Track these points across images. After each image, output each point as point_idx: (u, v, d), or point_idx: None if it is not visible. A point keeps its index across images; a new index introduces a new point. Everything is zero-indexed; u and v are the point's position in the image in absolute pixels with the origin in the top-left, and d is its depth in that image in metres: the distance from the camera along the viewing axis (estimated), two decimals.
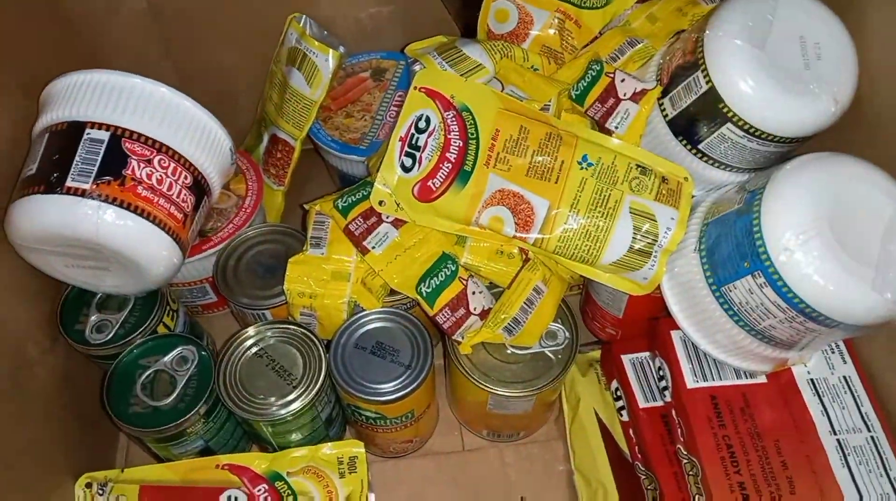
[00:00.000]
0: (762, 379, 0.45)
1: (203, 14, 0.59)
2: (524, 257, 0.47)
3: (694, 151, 0.47)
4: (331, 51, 0.55)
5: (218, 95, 0.47)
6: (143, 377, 0.45)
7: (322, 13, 0.59)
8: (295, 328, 0.47)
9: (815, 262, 0.37)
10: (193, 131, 0.44)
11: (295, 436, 0.47)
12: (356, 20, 0.60)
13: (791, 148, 0.45)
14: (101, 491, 0.46)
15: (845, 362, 0.46)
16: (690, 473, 0.43)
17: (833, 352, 0.46)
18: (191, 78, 0.61)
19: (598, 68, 0.48)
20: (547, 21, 0.51)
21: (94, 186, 0.39)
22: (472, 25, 0.54)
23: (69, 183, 0.39)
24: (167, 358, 0.46)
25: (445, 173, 0.46)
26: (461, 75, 0.48)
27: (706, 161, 0.47)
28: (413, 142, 0.46)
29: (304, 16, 0.58)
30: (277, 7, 0.59)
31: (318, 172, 0.67)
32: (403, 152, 0.46)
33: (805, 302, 0.38)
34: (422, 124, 0.46)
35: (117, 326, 0.47)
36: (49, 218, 0.39)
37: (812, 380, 0.45)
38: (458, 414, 0.56)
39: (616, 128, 0.47)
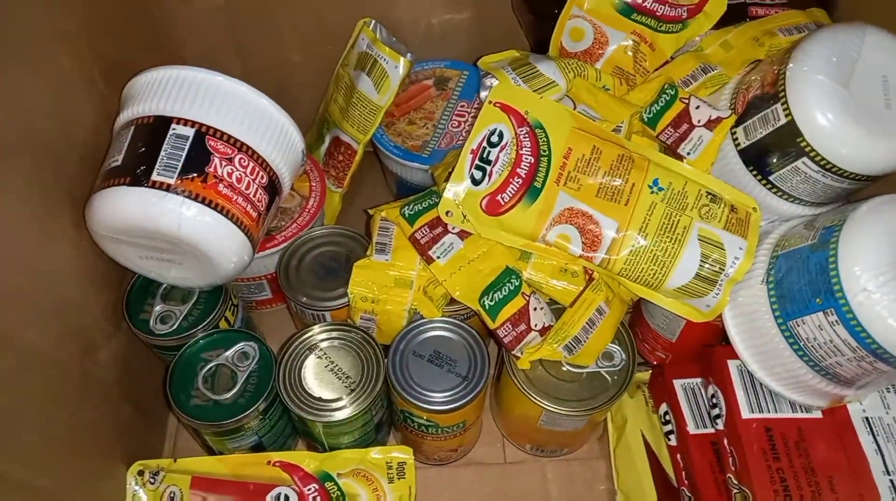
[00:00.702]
0: (817, 414, 0.45)
1: (275, 13, 0.59)
2: (588, 276, 0.47)
3: (764, 181, 0.47)
4: (402, 58, 0.56)
5: (279, 93, 0.47)
6: (205, 370, 0.46)
7: (395, 16, 0.59)
8: (355, 331, 0.47)
9: (893, 305, 0.37)
10: (272, 132, 0.45)
11: (346, 438, 0.48)
12: (427, 25, 0.61)
13: (863, 186, 0.45)
14: (152, 480, 0.47)
15: None
16: None
17: (889, 391, 0.46)
18: (255, 73, 0.61)
19: (672, 93, 0.48)
20: (622, 42, 0.51)
21: (179, 182, 0.40)
22: (544, 41, 0.54)
23: (155, 177, 0.40)
24: (229, 353, 0.47)
25: (515, 188, 0.46)
26: (534, 91, 0.48)
27: (775, 193, 0.47)
28: (484, 155, 0.46)
29: (374, 21, 0.59)
30: (347, 9, 0.59)
31: (372, 175, 0.68)
32: (474, 165, 0.46)
33: (878, 343, 0.38)
34: (494, 139, 0.47)
35: (181, 317, 0.48)
36: (133, 210, 0.40)
37: (867, 418, 0.45)
38: (503, 426, 0.56)
39: (688, 154, 0.47)
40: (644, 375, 0.56)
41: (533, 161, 0.46)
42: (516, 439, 0.56)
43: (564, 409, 0.46)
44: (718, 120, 0.46)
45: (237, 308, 0.51)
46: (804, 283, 0.41)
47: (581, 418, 0.47)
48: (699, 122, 0.47)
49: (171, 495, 0.46)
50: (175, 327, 0.47)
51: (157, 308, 0.48)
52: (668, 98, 0.48)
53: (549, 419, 0.48)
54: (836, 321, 0.39)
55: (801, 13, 0.53)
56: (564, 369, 0.47)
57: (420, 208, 0.49)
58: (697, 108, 0.47)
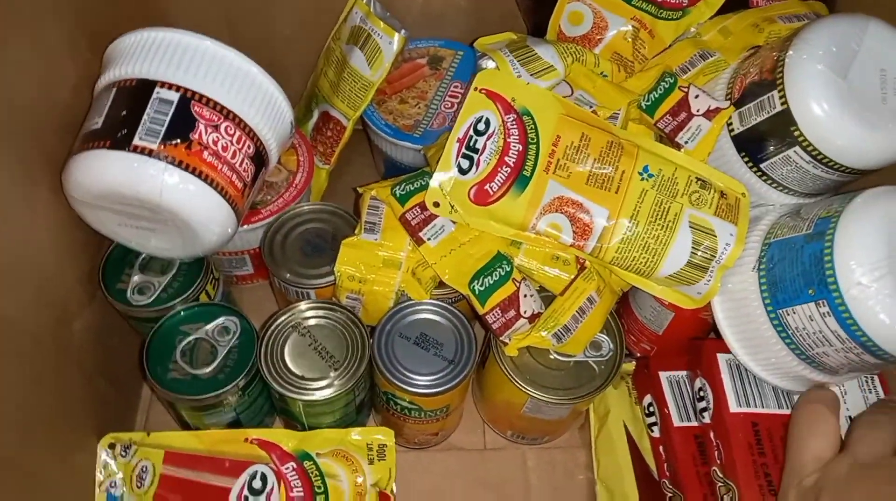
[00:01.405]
0: None
1: None
2: (579, 265, 0.46)
3: (755, 169, 0.46)
4: (396, 34, 0.54)
5: (270, 66, 0.46)
6: (184, 343, 0.45)
7: None
8: (341, 310, 0.46)
9: (886, 300, 0.37)
10: (260, 101, 0.43)
11: (327, 418, 0.47)
12: (424, 3, 0.60)
13: (853, 179, 0.45)
14: (123, 453, 0.46)
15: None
16: (725, 495, 0.43)
17: (870, 392, 0.46)
18: (246, 45, 0.59)
19: (671, 81, 0.48)
20: (621, 28, 0.50)
21: (162, 147, 0.39)
22: (542, 24, 0.53)
23: (136, 141, 0.38)
24: (209, 327, 0.45)
25: (504, 178, 0.45)
26: (531, 75, 0.47)
27: (765, 180, 0.47)
28: (471, 144, 0.45)
29: None
30: None
31: (359, 153, 0.66)
32: (461, 154, 0.45)
33: (869, 337, 0.38)
34: (481, 126, 0.46)
35: (160, 289, 0.46)
36: (113, 175, 0.38)
37: (850, 417, 0.45)
38: (485, 412, 0.56)
39: (686, 143, 0.46)
40: (628, 366, 0.56)
41: (521, 149, 0.45)
42: (497, 425, 0.55)
43: (550, 397, 0.45)
44: (717, 110, 0.46)
45: (218, 282, 0.50)
46: (797, 273, 0.41)
47: (566, 406, 0.46)
48: (698, 111, 0.46)
49: (144, 468, 0.45)
50: (153, 298, 0.46)
51: (135, 278, 0.47)
52: (666, 86, 0.48)
53: (533, 407, 0.47)
54: (828, 313, 0.39)
55: (800, 3, 0.52)
56: (552, 357, 0.46)
57: (412, 188, 0.48)
58: (696, 97, 0.47)
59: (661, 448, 0.49)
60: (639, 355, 0.56)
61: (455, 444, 0.55)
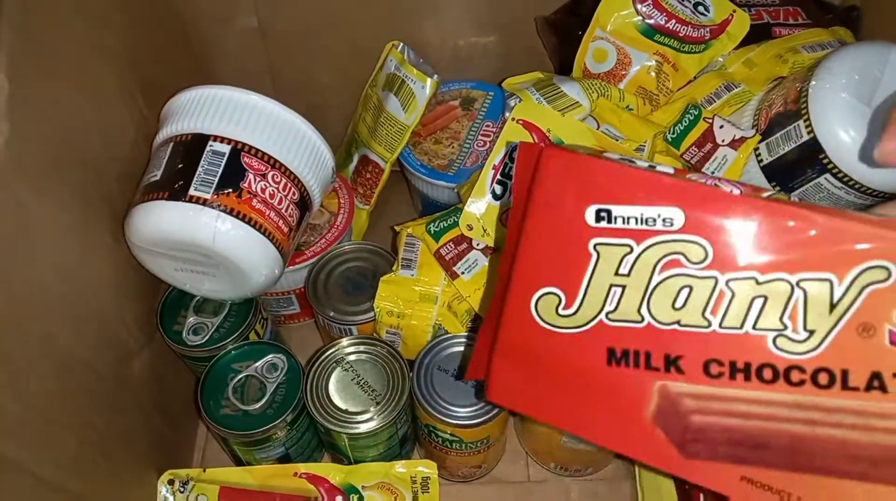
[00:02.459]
0: None
1: (307, 35, 0.61)
2: None
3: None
4: (428, 79, 0.57)
5: (309, 113, 0.49)
6: (235, 380, 0.47)
7: (423, 38, 0.61)
8: (381, 345, 0.48)
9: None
10: (304, 150, 0.46)
11: (371, 451, 0.48)
12: (454, 48, 0.62)
13: (883, 200, 0.45)
14: (182, 489, 0.48)
15: None
16: None
17: None
18: (286, 93, 0.64)
19: (696, 113, 0.49)
20: (645, 63, 0.52)
21: (215, 197, 0.42)
22: (568, 63, 0.55)
23: (192, 192, 0.41)
24: (258, 364, 0.48)
25: None
26: (558, 112, 0.49)
27: None
28: (506, 171, 0.47)
29: (402, 44, 0.60)
30: (377, 32, 0.61)
31: (398, 194, 0.69)
32: (495, 180, 0.47)
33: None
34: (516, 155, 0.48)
35: (213, 329, 0.49)
36: (171, 223, 0.41)
37: None
38: (527, 444, 0.56)
39: (714, 173, 0.47)
40: None
41: None
42: (540, 457, 0.56)
43: None
44: (742, 139, 0.47)
45: (266, 322, 0.52)
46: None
47: None
48: (723, 141, 0.47)
49: None
50: (207, 338, 0.49)
51: (190, 320, 0.49)
52: (691, 118, 0.49)
53: (571, 436, 0.48)
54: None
55: (824, 31, 0.53)
56: None
57: (445, 224, 0.50)
58: (721, 127, 0.48)
59: None
60: None
61: (499, 477, 0.56)
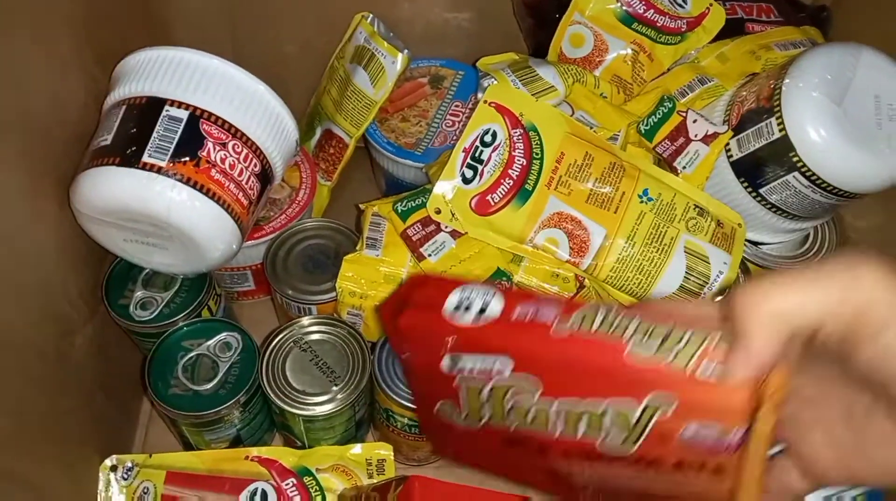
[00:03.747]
0: None
1: (271, 3, 0.59)
2: (578, 283, 0.47)
3: (754, 193, 0.47)
4: (399, 54, 0.55)
5: (273, 83, 0.47)
6: (185, 359, 0.45)
7: (394, 13, 0.59)
8: (342, 326, 0.47)
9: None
10: (267, 119, 0.44)
11: (327, 434, 0.47)
12: (426, 24, 0.60)
13: (849, 202, 0.46)
14: (125, 476, 0.46)
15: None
16: None
17: None
18: (250, 63, 0.61)
19: (669, 105, 0.49)
20: (621, 51, 0.51)
21: (171, 165, 0.39)
22: (543, 46, 0.54)
23: (146, 159, 0.39)
24: (211, 343, 0.46)
25: (506, 190, 0.46)
26: (533, 95, 0.48)
27: (764, 205, 0.48)
28: (476, 154, 0.46)
29: (372, 15, 0.58)
30: (346, 3, 0.59)
31: (360, 170, 0.67)
32: (465, 163, 0.46)
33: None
34: (487, 138, 0.47)
35: (162, 305, 0.47)
36: (122, 191, 0.39)
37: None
38: None
39: (684, 168, 0.47)
40: None
41: (525, 163, 0.46)
42: None
43: None
44: (715, 135, 0.47)
45: (220, 298, 0.50)
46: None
47: None
48: (696, 136, 0.47)
49: (145, 489, 0.45)
50: (156, 313, 0.46)
51: (138, 294, 0.47)
52: (665, 110, 0.49)
53: None
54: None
55: (796, 30, 0.54)
56: None
57: (413, 204, 0.48)
58: (695, 121, 0.48)
59: None
60: None
61: None
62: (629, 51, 0.51)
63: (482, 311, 0.28)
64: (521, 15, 0.58)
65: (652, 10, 0.51)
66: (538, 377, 0.27)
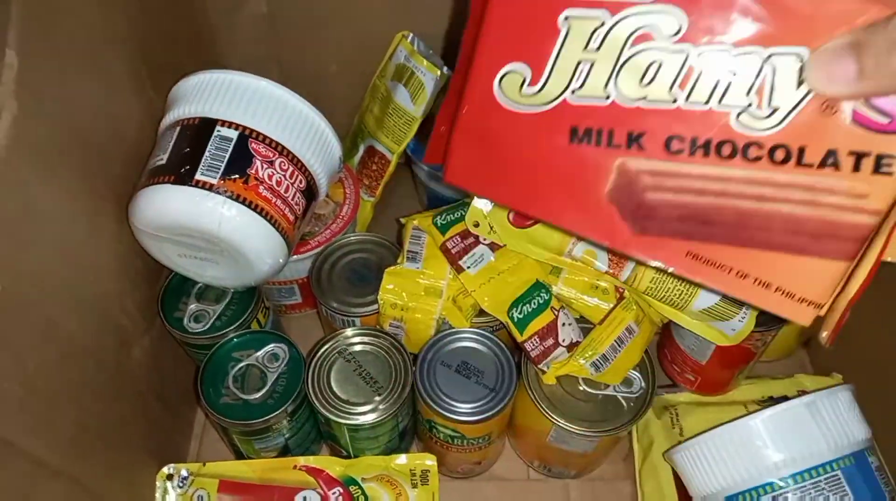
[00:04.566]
0: None
1: (316, 24, 0.61)
2: (619, 294, 0.47)
3: None
4: (439, 70, 0.56)
5: (317, 101, 0.49)
6: (236, 369, 0.47)
7: (433, 31, 0.60)
8: (385, 337, 0.48)
9: None
10: (312, 137, 0.46)
11: (371, 444, 0.48)
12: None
13: None
14: (181, 484, 0.47)
15: None
16: None
17: None
18: (293, 82, 0.63)
19: None
20: None
21: (221, 182, 0.41)
22: None
23: (198, 176, 0.41)
24: (259, 353, 0.47)
25: None
26: None
27: None
28: None
29: (412, 34, 0.60)
30: (387, 23, 0.61)
31: (402, 186, 0.69)
32: None
33: None
34: None
35: (214, 317, 0.48)
36: (176, 208, 0.41)
37: None
38: (514, 440, 0.56)
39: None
40: (672, 396, 0.55)
41: None
42: (524, 454, 0.55)
43: (575, 427, 0.45)
44: None
45: (269, 311, 0.52)
46: None
47: (591, 439, 0.46)
48: None
49: (199, 498, 0.47)
50: (208, 326, 0.48)
51: (192, 307, 0.49)
52: None
53: (558, 436, 0.47)
54: None
55: None
56: (581, 388, 0.47)
57: (452, 218, 0.49)
58: None
59: None
60: (683, 385, 0.56)
61: (498, 474, 0.56)
62: None
63: None
64: None
65: None
66: (685, 12, 0.21)
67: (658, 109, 0.22)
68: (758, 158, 0.21)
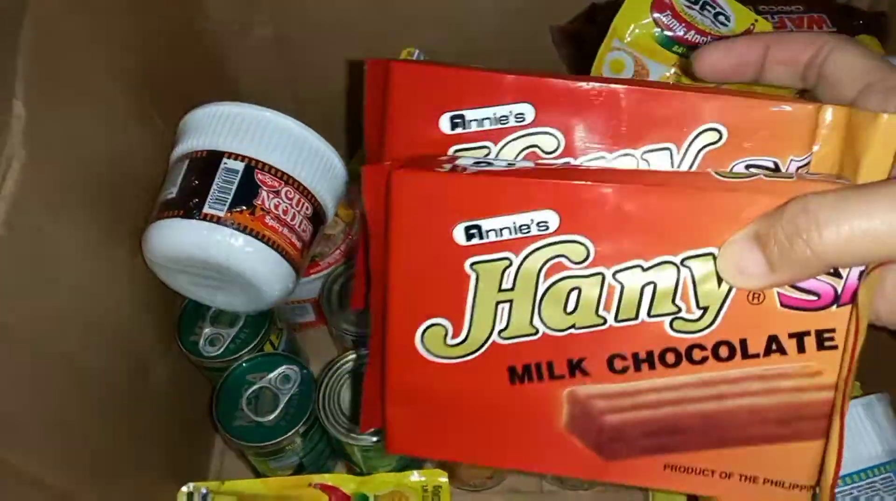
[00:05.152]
0: None
1: (322, 43, 0.61)
2: None
3: None
4: None
5: (327, 120, 0.49)
6: (249, 392, 0.48)
7: (442, 46, 0.60)
8: None
9: None
10: (317, 164, 0.46)
11: (384, 461, 0.49)
12: (469, 52, 0.62)
13: None
14: None
15: None
16: None
17: None
18: (306, 102, 0.64)
19: None
20: (663, 74, 0.51)
21: (229, 215, 0.42)
22: (584, 72, 0.54)
23: (206, 210, 0.42)
24: (272, 375, 0.48)
25: None
26: None
27: None
28: None
29: (417, 50, 0.60)
30: (392, 39, 0.61)
31: None
32: None
33: None
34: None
35: (229, 340, 0.50)
36: (186, 241, 0.42)
37: None
38: None
39: None
40: None
41: None
42: None
43: None
44: None
45: (282, 332, 0.53)
46: None
47: None
48: None
49: None
50: (223, 349, 0.49)
51: (207, 331, 0.50)
52: None
53: None
54: None
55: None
56: None
57: None
58: None
59: None
60: None
61: (511, 486, 0.56)
62: (671, 73, 0.51)
63: (511, 166, 0.22)
64: (561, 43, 0.58)
65: (693, 31, 0.50)
66: (589, 238, 0.21)
67: (591, 332, 0.22)
68: (704, 359, 0.22)
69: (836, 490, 0.38)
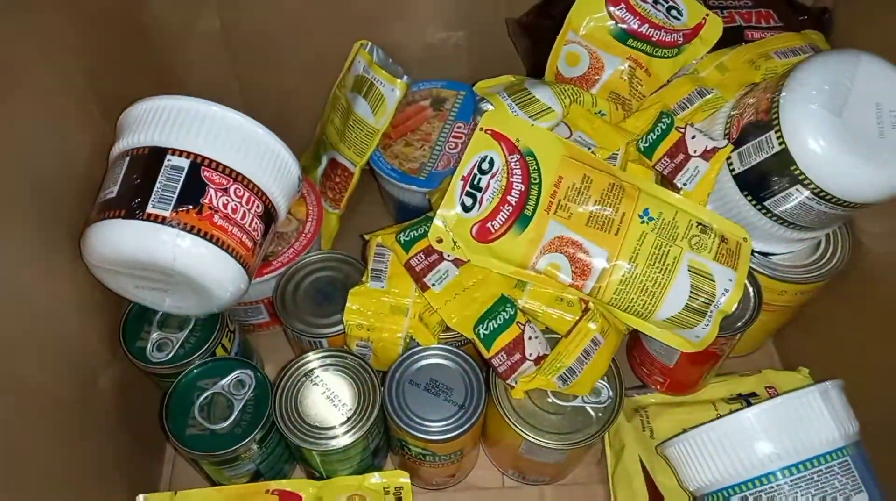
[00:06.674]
0: None
1: (270, 37, 0.60)
2: (584, 306, 0.47)
3: (759, 206, 0.47)
4: (398, 81, 0.56)
5: (277, 115, 0.48)
6: (201, 398, 0.46)
7: (391, 38, 0.59)
8: (351, 358, 0.47)
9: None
10: (267, 160, 0.45)
11: (343, 465, 0.48)
12: (423, 46, 0.61)
13: (854, 212, 0.45)
14: None
15: None
16: None
17: None
18: (254, 97, 0.62)
19: (668, 122, 0.48)
20: (618, 67, 0.51)
21: (174, 214, 0.40)
22: (540, 65, 0.54)
23: (150, 209, 0.40)
24: (225, 381, 0.47)
25: (505, 216, 0.46)
26: (530, 117, 0.48)
27: (770, 217, 0.47)
28: (475, 182, 0.47)
29: (370, 44, 0.59)
30: (344, 32, 0.60)
31: (370, 194, 0.68)
32: (465, 192, 0.46)
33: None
34: (485, 166, 0.47)
35: (178, 345, 0.48)
36: (128, 243, 0.40)
37: None
38: (488, 449, 0.56)
39: (685, 185, 0.47)
40: (643, 398, 0.56)
41: (523, 189, 0.46)
42: (499, 462, 0.56)
43: (545, 441, 0.45)
44: (714, 150, 0.46)
45: (234, 334, 0.51)
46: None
47: (561, 451, 0.47)
48: (695, 152, 0.47)
49: None
50: (171, 354, 0.47)
51: (154, 335, 0.48)
52: (663, 127, 0.48)
53: (528, 449, 0.47)
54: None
55: (796, 35, 0.53)
56: (549, 400, 0.47)
57: (415, 234, 0.49)
58: (693, 138, 0.47)
59: None
60: (652, 386, 0.56)
61: (473, 483, 0.56)
62: (626, 67, 0.51)
63: None
64: (516, 36, 0.58)
65: (647, 25, 0.51)
66: None
67: None
68: None
69: (795, 476, 0.40)
